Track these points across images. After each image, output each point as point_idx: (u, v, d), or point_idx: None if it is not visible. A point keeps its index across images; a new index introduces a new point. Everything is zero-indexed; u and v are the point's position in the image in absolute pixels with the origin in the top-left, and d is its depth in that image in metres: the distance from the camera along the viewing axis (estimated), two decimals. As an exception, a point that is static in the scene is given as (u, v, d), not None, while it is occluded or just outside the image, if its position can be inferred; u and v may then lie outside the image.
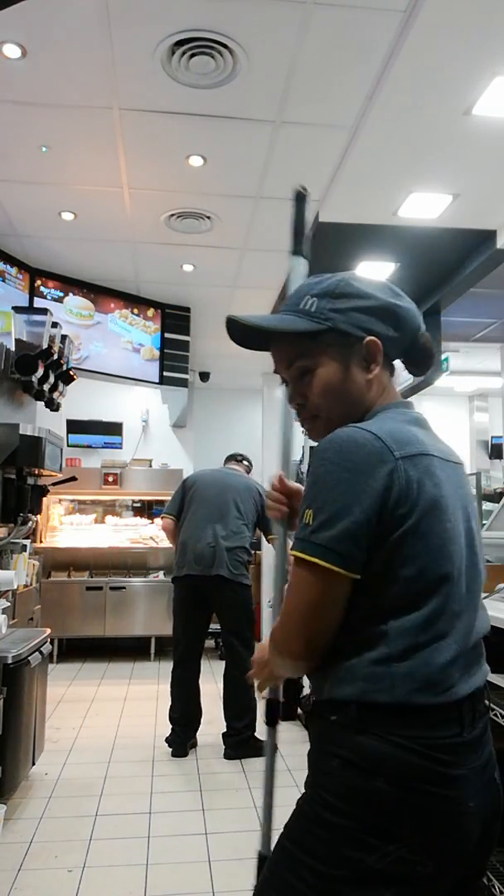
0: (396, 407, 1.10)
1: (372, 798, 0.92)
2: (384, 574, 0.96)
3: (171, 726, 3.86)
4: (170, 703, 3.89)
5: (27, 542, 3.64)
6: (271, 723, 1.34)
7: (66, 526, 6.64)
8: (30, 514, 3.41)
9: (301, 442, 5.57)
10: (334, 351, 1.08)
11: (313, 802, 0.98)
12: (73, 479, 4.21)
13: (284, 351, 1.12)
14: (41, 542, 6.23)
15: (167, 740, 3.84)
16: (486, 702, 1.05)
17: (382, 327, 1.09)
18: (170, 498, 4.27)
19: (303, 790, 1.05)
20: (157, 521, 6.68)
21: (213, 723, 3.95)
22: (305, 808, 1.00)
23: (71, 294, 5.83)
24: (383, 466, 0.95)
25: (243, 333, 1.12)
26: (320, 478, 0.97)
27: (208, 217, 4.64)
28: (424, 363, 1.19)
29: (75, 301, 5.86)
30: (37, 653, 3.14)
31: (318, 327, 1.07)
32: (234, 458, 4.58)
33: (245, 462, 4.60)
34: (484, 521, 3.74)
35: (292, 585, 0.98)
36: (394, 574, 0.96)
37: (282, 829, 1.04)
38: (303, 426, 1.17)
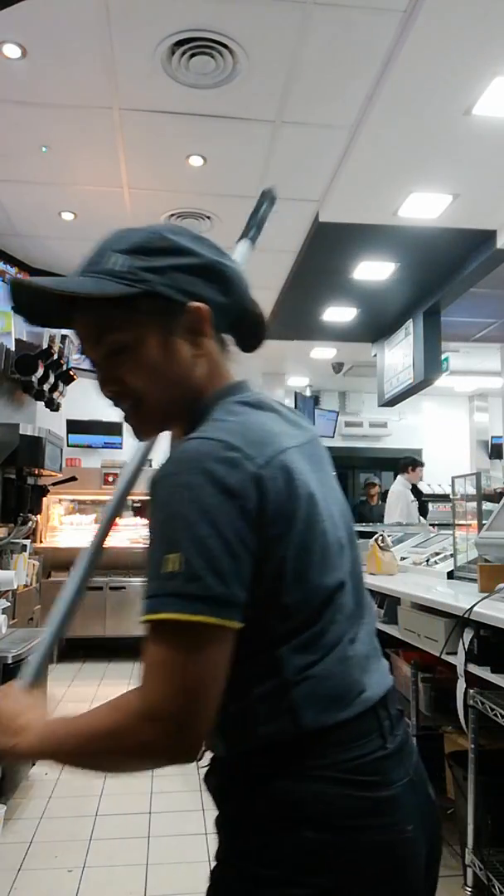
0: (234, 392, 0.90)
1: (304, 852, 0.77)
2: (270, 604, 0.78)
3: None
4: None
5: (27, 542, 3.64)
6: None
7: (66, 526, 6.64)
8: (30, 514, 3.42)
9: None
10: (152, 321, 0.86)
11: (235, 880, 0.82)
12: (73, 479, 4.22)
13: (90, 324, 0.88)
14: (41, 542, 6.23)
15: None
16: (398, 706, 0.90)
17: (210, 291, 0.88)
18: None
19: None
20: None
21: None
22: (225, 886, 0.84)
23: (71, 294, 5.83)
24: (247, 483, 0.76)
25: (33, 302, 0.91)
26: (175, 511, 0.74)
27: (208, 217, 4.63)
28: (257, 335, 0.98)
29: (75, 301, 5.85)
30: (37, 653, 3.14)
31: (130, 291, 0.84)
32: None
33: None
34: (484, 521, 3.73)
35: (161, 661, 0.73)
36: (281, 601, 0.79)
37: None
38: (125, 421, 0.93)
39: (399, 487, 7.07)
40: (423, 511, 7.04)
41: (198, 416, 0.87)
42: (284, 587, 0.79)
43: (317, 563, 0.81)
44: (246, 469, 0.76)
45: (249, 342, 0.99)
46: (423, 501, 7.15)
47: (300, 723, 0.78)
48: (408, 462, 7.08)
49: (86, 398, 6.56)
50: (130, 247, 0.86)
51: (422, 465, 7.12)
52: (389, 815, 0.79)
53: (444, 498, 7.03)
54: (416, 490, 7.03)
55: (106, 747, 0.77)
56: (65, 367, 4.01)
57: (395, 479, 7.41)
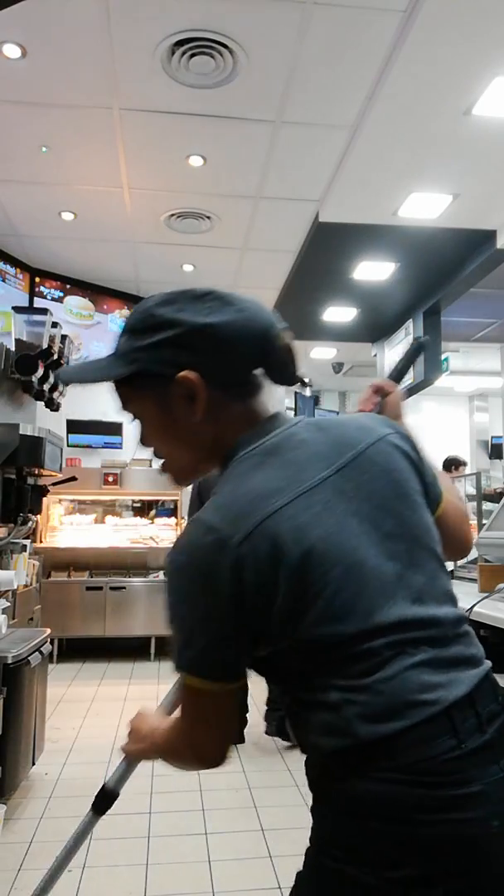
0: (250, 441, 0.94)
1: (367, 839, 0.85)
2: (284, 650, 0.89)
3: None
4: None
5: (27, 542, 3.64)
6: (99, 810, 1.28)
7: (66, 526, 6.63)
8: (30, 514, 3.41)
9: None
10: (151, 394, 0.95)
11: (315, 855, 0.92)
12: (73, 479, 4.21)
13: (118, 396, 1.00)
14: (41, 542, 6.22)
15: None
16: (500, 699, 0.91)
17: (198, 357, 0.93)
18: (168, 498, 4.25)
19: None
20: (158, 521, 6.69)
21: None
22: (308, 861, 0.94)
23: (71, 294, 5.83)
24: (222, 563, 0.84)
25: (77, 382, 1.07)
26: (171, 590, 0.89)
27: (208, 217, 4.64)
28: (284, 371, 0.99)
29: (75, 301, 5.86)
30: (37, 653, 3.13)
31: (125, 371, 0.94)
32: None
33: None
34: (484, 521, 3.73)
35: (180, 702, 0.96)
36: (293, 648, 0.88)
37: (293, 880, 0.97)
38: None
39: None
40: None
41: (224, 466, 0.96)
42: (294, 638, 0.87)
43: (321, 614, 0.86)
44: (222, 554, 0.84)
45: (280, 378, 1.00)
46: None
47: (356, 736, 0.85)
48: (450, 461, 7.18)
49: (86, 398, 6.57)
50: (129, 327, 0.97)
51: (464, 464, 7.14)
52: (464, 811, 0.83)
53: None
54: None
55: (176, 763, 1.00)
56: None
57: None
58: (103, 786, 1.23)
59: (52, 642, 3.70)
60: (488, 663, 0.95)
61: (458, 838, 0.83)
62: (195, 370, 0.93)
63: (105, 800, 1.24)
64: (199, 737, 0.93)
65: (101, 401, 6.96)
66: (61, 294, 5.77)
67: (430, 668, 0.88)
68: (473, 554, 3.00)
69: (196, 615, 0.86)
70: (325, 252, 4.90)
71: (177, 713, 1.01)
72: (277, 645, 0.88)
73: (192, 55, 3.05)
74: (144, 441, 1.02)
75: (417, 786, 0.83)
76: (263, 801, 3.06)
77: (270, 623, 0.86)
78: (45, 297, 5.64)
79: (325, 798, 0.91)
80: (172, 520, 6.65)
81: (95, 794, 1.25)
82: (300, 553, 0.85)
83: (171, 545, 0.90)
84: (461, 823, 0.83)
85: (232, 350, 0.94)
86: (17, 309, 4.03)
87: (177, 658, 0.89)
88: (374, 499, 0.93)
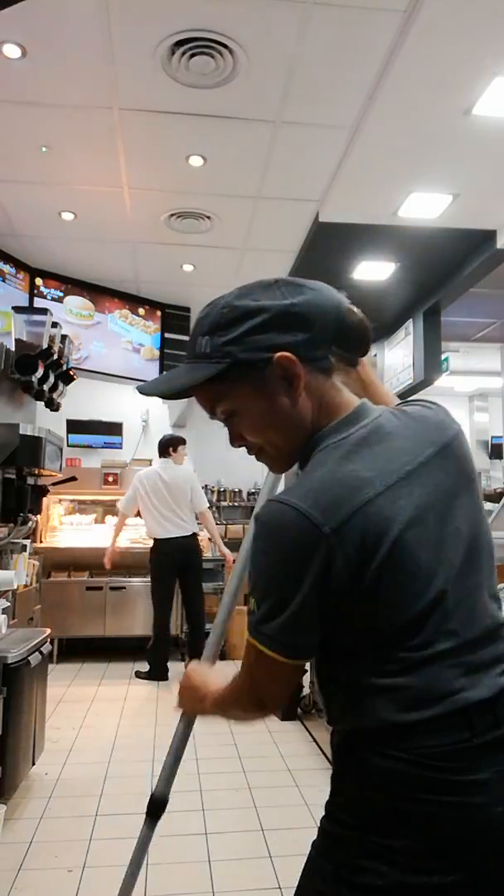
0: (337, 431, 0.98)
1: (375, 811, 0.93)
2: (343, 632, 0.94)
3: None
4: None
5: (27, 542, 3.64)
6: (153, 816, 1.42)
7: (66, 526, 6.63)
8: (30, 514, 3.41)
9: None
10: (247, 384, 0.97)
11: (328, 821, 1.00)
12: (73, 479, 4.21)
13: (202, 400, 1.03)
14: (41, 542, 6.22)
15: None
16: None
17: (288, 337, 0.96)
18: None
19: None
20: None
21: (213, 723, 3.94)
22: (322, 827, 1.02)
23: (71, 294, 5.83)
24: (314, 550, 0.88)
25: (161, 395, 1.09)
26: (257, 565, 0.93)
27: (208, 217, 4.64)
28: (359, 344, 1.03)
29: (75, 301, 5.86)
30: (37, 653, 3.13)
31: (217, 368, 0.97)
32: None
33: None
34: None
35: (246, 661, 0.99)
36: (352, 632, 0.94)
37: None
38: (258, 460, 1.08)
39: None
40: None
41: (306, 455, 0.99)
42: (353, 623, 0.92)
43: (399, 600, 0.91)
44: (312, 540, 0.88)
45: (355, 351, 1.03)
46: None
47: (380, 718, 0.92)
48: None
49: (86, 398, 6.56)
50: (209, 327, 0.98)
51: None
52: (470, 796, 0.89)
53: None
54: None
55: (236, 715, 1.14)
56: (65, 367, 4.01)
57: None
58: (152, 795, 1.32)
59: (52, 642, 3.70)
60: None
61: (459, 818, 0.89)
62: (289, 350, 0.96)
63: (156, 806, 1.35)
64: (265, 692, 1.00)
65: (101, 401, 6.97)
66: (61, 294, 5.77)
67: (460, 670, 0.93)
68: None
69: (284, 591, 0.90)
70: (325, 252, 4.90)
71: (220, 665, 1.20)
72: (340, 626, 0.93)
73: (192, 55, 3.05)
74: (237, 439, 1.04)
75: (421, 767, 0.89)
76: (263, 801, 3.06)
77: (346, 609, 0.91)
78: (45, 297, 5.64)
79: (341, 767, 0.99)
80: (172, 520, 6.64)
81: (147, 803, 1.38)
82: (387, 547, 0.90)
83: (260, 522, 0.92)
84: (464, 806, 0.89)
85: (315, 326, 0.98)
86: (17, 309, 4.03)
87: (257, 628, 0.93)
88: (448, 495, 0.98)
